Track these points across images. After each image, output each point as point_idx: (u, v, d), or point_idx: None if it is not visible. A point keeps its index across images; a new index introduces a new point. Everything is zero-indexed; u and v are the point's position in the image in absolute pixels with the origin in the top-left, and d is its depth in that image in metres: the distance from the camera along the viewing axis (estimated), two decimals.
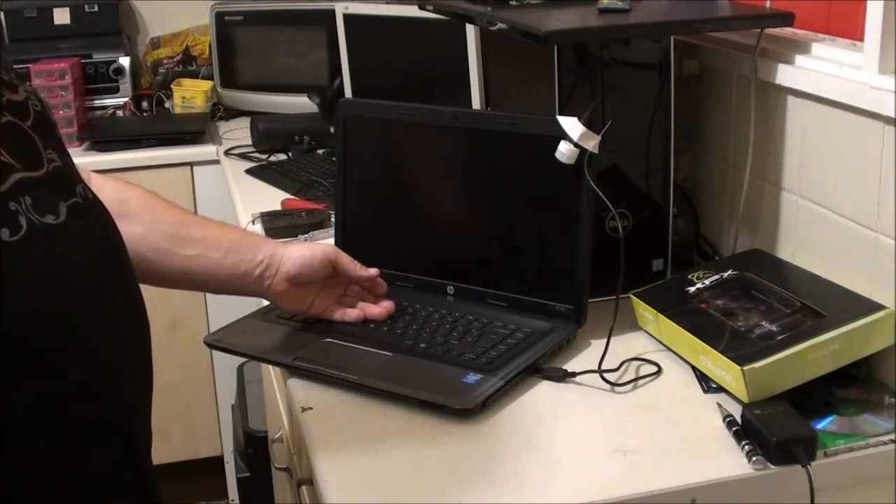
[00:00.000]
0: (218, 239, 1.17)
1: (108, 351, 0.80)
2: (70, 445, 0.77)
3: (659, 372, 1.16)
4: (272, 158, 2.29)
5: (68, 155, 0.87)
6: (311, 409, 1.10)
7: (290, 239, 1.67)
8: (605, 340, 1.17)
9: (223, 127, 2.69)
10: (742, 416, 1.02)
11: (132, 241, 1.05)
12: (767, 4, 1.43)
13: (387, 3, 2.22)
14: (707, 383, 1.12)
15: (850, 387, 1.10)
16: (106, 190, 1.10)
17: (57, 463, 0.76)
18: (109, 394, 0.81)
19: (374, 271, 1.25)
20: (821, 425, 1.03)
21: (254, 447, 2.17)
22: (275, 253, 1.19)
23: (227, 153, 2.39)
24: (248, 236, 1.23)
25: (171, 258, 1.14)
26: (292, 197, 1.93)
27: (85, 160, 2.34)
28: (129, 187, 1.16)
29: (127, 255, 0.88)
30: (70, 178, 0.83)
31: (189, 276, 1.16)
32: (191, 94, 2.75)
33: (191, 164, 2.52)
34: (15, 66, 0.87)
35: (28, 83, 0.87)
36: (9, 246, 0.72)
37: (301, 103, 2.54)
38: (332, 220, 1.58)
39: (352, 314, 1.23)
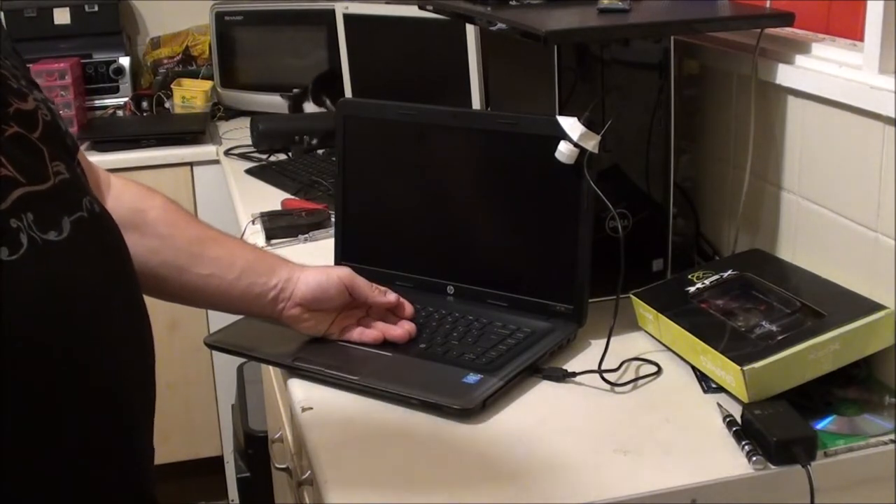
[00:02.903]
0: (233, 259, 1.14)
1: (108, 369, 0.79)
2: (68, 461, 0.76)
3: (659, 372, 1.16)
4: (272, 158, 2.29)
5: (78, 164, 0.85)
6: (311, 409, 1.10)
7: (290, 239, 1.67)
8: (605, 340, 1.17)
9: (223, 127, 2.69)
10: (742, 416, 1.02)
11: (144, 255, 1.04)
12: (767, 4, 1.43)
13: (387, 3, 2.22)
14: (707, 383, 1.12)
15: (850, 387, 1.10)
16: (125, 197, 1.09)
17: (56, 476, 0.75)
18: (108, 411, 0.80)
19: (392, 297, 1.21)
20: (821, 425, 1.03)
21: (254, 447, 2.17)
22: (290, 277, 1.15)
23: (227, 153, 2.39)
24: (264, 258, 1.19)
25: (184, 275, 1.11)
26: (292, 197, 1.93)
27: None
28: (150, 196, 1.13)
29: (133, 271, 0.87)
30: (77, 190, 0.81)
31: (200, 294, 1.13)
32: (191, 94, 2.75)
33: (191, 164, 2.52)
34: None
35: (38, 91, 0.85)
36: (7, 265, 0.71)
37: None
38: (332, 220, 1.58)
39: (370, 335, 1.18)
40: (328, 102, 2.49)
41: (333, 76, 2.49)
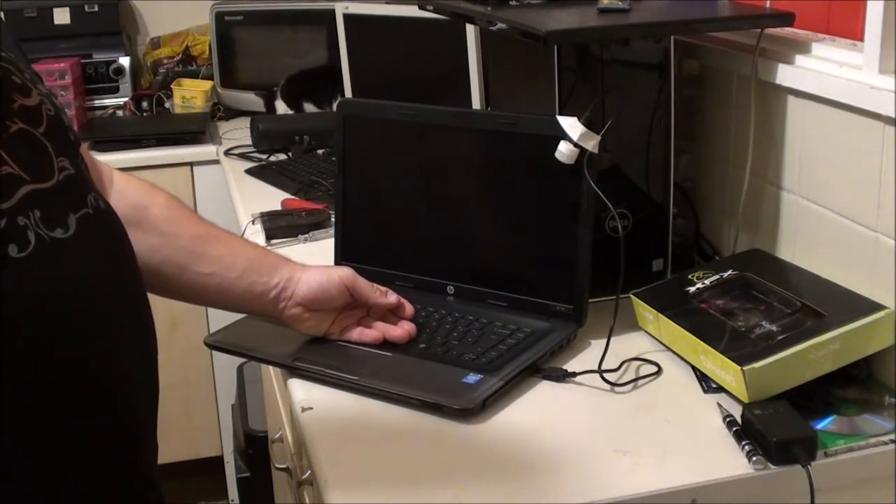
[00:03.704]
0: (235, 258, 1.14)
1: (111, 367, 0.79)
2: (71, 460, 0.76)
3: (659, 372, 1.16)
4: (272, 158, 2.29)
5: (82, 159, 0.85)
6: (311, 409, 1.10)
7: (290, 239, 1.68)
8: (605, 340, 1.17)
9: (223, 127, 2.69)
10: (742, 416, 1.02)
11: (146, 252, 1.04)
12: (767, 4, 1.43)
13: (387, 3, 2.22)
14: (707, 383, 1.12)
15: (850, 387, 1.10)
16: (128, 193, 1.09)
17: (58, 475, 0.75)
18: (113, 408, 0.80)
19: (393, 298, 1.21)
20: (821, 425, 1.03)
21: (254, 447, 2.17)
22: (291, 276, 1.15)
23: (227, 153, 2.39)
24: (266, 256, 1.18)
25: (185, 273, 1.11)
26: (292, 197, 1.93)
27: None
28: (153, 193, 1.12)
29: (137, 267, 0.87)
30: (82, 186, 0.82)
31: (202, 292, 1.13)
32: (191, 94, 2.75)
33: (191, 164, 2.52)
34: None
35: (43, 85, 0.85)
36: (16, 262, 0.71)
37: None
38: (332, 220, 1.58)
39: (370, 335, 1.18)
40: (300, 103, 2.54)
41: (306, 77, 2.55)
